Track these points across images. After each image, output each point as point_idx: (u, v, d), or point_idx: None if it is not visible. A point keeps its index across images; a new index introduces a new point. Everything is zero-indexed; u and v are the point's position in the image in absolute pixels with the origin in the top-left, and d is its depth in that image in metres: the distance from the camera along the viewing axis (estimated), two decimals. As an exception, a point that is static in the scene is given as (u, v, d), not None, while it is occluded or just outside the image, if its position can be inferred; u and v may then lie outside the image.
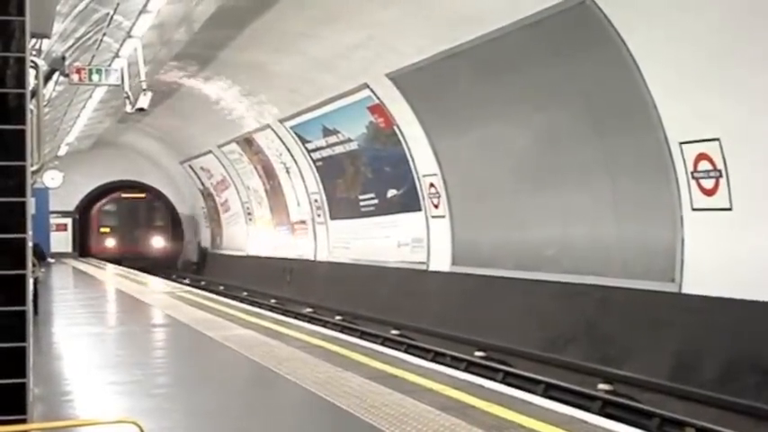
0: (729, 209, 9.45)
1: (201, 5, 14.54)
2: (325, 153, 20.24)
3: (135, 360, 8.57)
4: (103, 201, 36.73)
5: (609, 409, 8.88)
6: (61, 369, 7.95)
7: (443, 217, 15.71)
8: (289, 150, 22.09)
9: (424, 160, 15.85)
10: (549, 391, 9.84)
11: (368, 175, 18.67)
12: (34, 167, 3.64)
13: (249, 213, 28.75)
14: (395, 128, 16.30)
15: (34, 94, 3.96)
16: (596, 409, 8.81)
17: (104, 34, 14.61)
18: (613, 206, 11.43)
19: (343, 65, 16.02)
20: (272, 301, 22.33)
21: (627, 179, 11.11)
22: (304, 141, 20.93)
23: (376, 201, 18.50)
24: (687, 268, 10.15)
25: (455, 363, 11.59)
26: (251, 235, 28.94)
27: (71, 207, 36.65)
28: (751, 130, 9.06)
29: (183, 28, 16.05)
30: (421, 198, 16.32)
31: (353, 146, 18.62)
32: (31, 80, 3.42)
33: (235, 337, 9.61)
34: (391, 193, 17.69)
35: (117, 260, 32.81)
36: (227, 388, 7.09)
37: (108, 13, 13.47)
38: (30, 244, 3.32)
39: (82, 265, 29.31)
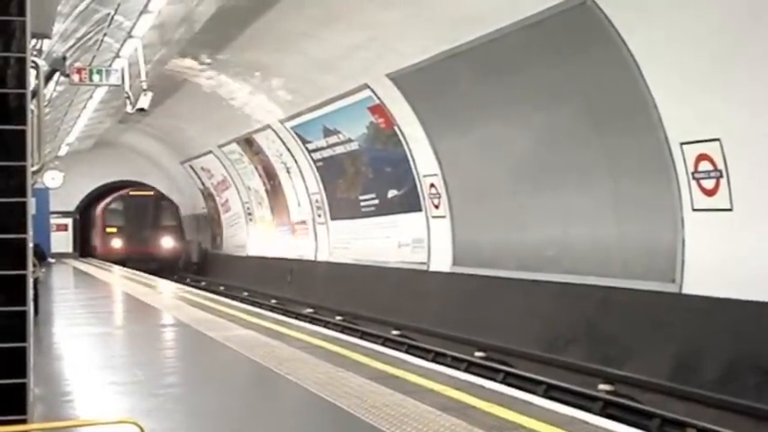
0: (730, 209, 9.44)
1: (202, 6, 14.55)
2: (325, 153, 20.24)
3: (136, 360, 8.57)
4: (109, 199, 35.28)
5: (610, 410, 8.89)
6: (61, 369, 7.95)
7: (444, 217, 15.71)
8: (289, 150, 22.10)
9: (424, 161, 15.85)
10: (550, 392, 9.84)
11: (368, 176, 18.67)
12: (35, 168, 3.64)
13: (249, 213, 28.74)
14: (395, 128, 16.30)
15: (35, 94, 3.96)
16: (597, 409, 8.82)
17: (105, 34, 14.62)
18: (614, 206, 11.42)
19: (344, 65, 16.02)
20: (273, 301, 22.34)
21: (627, 179, 11.11)
22: (304, 141, 20.93)
23: (376, 201, 18.49)
24: (688, 269, 10.15)
25: (456, 363, 11.59)
26: (251, 235, 28.94)
27: (71, 207, 36.63)
28: (752, 130, 9.06)
29: (183, 28, 16.06)
30: (421, 198, 16.31)
31: (354, 146, 18.62)
32: (31, 80, 3.43)
33: (236, 337, 9.61)
34: (392, 193, 17.69)
35: (123, 261, 31.42)
36: (228, 388, 7.09)
37: (109, 14, 13.48)
38: (30, 244, 3.32)
39: (83, 266, 29.32)
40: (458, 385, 6.46)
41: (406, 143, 16.20)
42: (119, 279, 22.46)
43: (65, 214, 36.20)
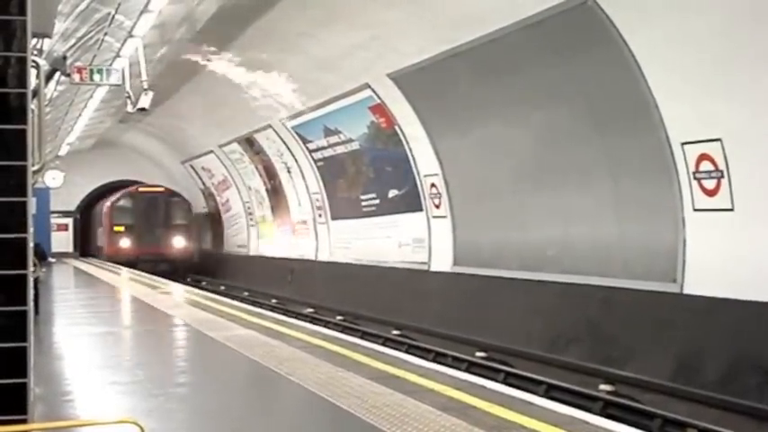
0: (731, 209, 9.43)
1: (203, 5, 14.55)
2: (326, 153, 20.23)
3: (136, 360, 8.58)
4: (117, 195, 33.19)
5: (610, 410, 8.88)
6: (62, 369, 7.95)
7: (445, 217, 15.70)
8: (290, 150, 22.09)
9: (425, 160, 15.84)
10: (551, 392, 9.84)
11: (369, 175, 18.66)
12: (35, 167, 3.63)
13: (250, 213, 28.74)
14: (396, 128, 16.29)
15: (35, 93, 3.95)
16: (598, 409, 8.81)
17: (106, 34, 14.64)
18: (615, 206, 11.41)
19: (345, 65, 16.01)
20: (274, 301, 22.34)
21: (628, 179, 11.10)
22: (305, 141, 20.93)
23: (377, 201, 18.49)
24: (689, 269, 10.14)
25: (456, 363, 11.59)
26: (252, 235, 28.94)
27: (72, 207, 36.63)
28: (753, 130, 9.05)
29: (184, 27, 16.06)
30: (422, 198, 16.31)
31: (355, 146, 18.61)
32: (32, 80, 3.42)
33: (236, 337, 9.61)
34: (392, 193, 17.68)
35: (132, 263, 29.41)
36: (229, 388, 7.09)
37: (109, 13, 13.49)
38: (31, 244, 3.32)
39: (83, 266, 29.31)
40: (458, 385, 6.45)
41: (407, 143, 16.19)
42: (119, 279, 22.46)
43: (65, 214, 36.22)
